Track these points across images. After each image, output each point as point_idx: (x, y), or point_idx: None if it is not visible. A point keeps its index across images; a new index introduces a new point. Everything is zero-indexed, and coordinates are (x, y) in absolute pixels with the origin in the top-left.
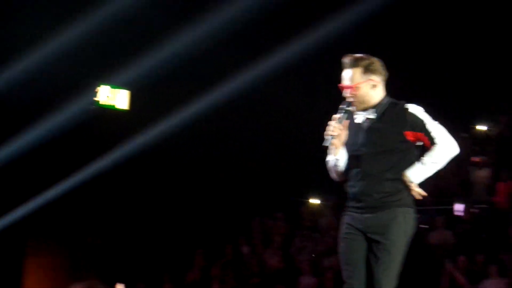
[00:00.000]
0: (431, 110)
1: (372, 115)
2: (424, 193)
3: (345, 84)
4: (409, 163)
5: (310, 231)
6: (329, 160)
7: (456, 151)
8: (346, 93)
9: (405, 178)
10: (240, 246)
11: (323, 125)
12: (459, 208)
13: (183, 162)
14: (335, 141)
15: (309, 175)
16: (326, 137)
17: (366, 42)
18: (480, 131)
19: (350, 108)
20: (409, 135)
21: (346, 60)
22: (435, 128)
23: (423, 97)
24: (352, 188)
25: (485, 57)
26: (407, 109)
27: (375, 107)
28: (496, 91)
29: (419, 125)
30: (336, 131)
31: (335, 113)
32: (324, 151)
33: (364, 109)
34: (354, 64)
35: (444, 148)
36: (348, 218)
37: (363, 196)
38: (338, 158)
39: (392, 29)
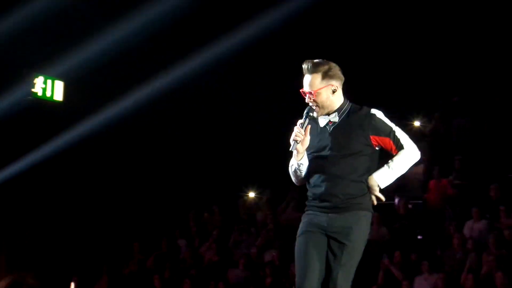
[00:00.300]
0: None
1: (335, 119)
2: (383, 198)
3: (306, 90)
4: (373, 167)
5: (246, 225)
6: (291, 165)
7: (418, 157)
8: (308, 99)
9: (371, 182)
10: (176, 239)
11: (259, 119)
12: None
13: (120, 155)
14: (298, 146)
15: (245, 168)
16: (291, 142)
17: (300, 36)
18: (414, 127)
19: (311, 114)
20: (373, 139)
21: (305, 65)
22: (401, 135)
23: (357, 93)
24: (315, 188)
25: (419, 54)
26: (373, 114)
27: (337, 110)
28: (430, 88)
29: (385, 131)
30: (299, 136)
31: (270, 106)
32: (260, 145)
33: (327, 114)
34: (314, 70)
35: (410, 154)
36: (309, 216)
37: (328, 196)
38: (301, 163)
39: (326, 24)
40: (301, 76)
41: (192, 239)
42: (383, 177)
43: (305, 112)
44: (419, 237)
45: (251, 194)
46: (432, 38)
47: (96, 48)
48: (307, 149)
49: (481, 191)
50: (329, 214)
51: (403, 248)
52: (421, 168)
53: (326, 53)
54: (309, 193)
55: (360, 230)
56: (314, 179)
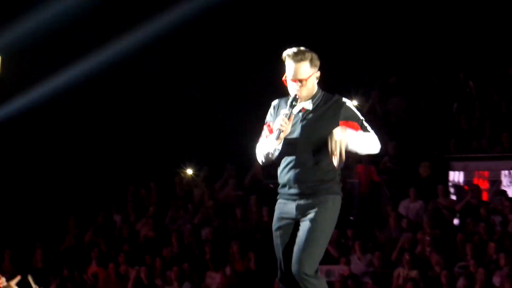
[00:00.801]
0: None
1: (308, 106)
2: (343, 159)
3: (295, 78)
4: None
5: (183, 202)
6: (265, 147)
7: (378, 149)
8: (294, 87)
9: (337, 132)
10: (112, 214)
11: (195, 96)
12: None
13: (57, 129)
14: (281, 134)
15: (182, 145)
16: (274, 130)
17: (229, 18)
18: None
19: (295, 103)
20: (342, 124)
21: (290, 53)
22: (368, 126)
23: None
24: (285, 175)
25: (355, 32)
26: (344, 102)
27: (311, 98)
28: (367, 67)
29: (354, 118)
30: (283, 126)
31: (205, 83)
32: (195, 121)
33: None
34: (302, 58)
35: (374, 139)
36: (280, 206)
37: (297, 183)
38: (277, 148)
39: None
40: (228, 52)
41: (128, 215)
42: (351, 135)
43: (289, 101)
44: (351, 218)
45: (189, 171)
46: (369, 18)
47: (33, 23)
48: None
49: (414, 171)
50: (297, 201)
51: (339, 227)
52: None
53: (259, 32)
54: (279, 180)
55: (326, 211)
56: (283, 165)
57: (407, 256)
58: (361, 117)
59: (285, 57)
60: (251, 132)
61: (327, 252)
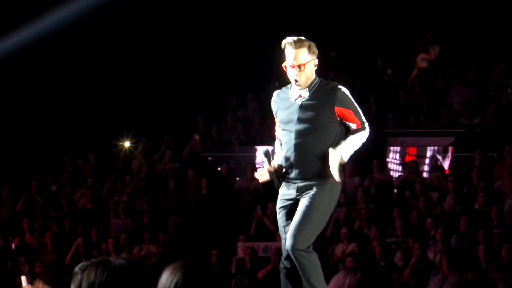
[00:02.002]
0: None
1: (305, 93)
2: (339, 179)
3: (294, 63)
4: (338, 139)
5: (121, 173)
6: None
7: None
8: (294, 73)
9: (333, 154)
10: (49, 185)
11: (135, 68)
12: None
13: None
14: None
15: (121, 116)
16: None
17: None
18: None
19: (268, 157)
20: (337, 111)
21: (289, 41)
22: (362, 114)
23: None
24: (287, 161)
25: (294, 8)
26: (340, 88)
27: (309, 85)
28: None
29: (350, 105)
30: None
31: (142, 56)
32: (134, 92)
33: (300, 88)
34: (300, 44)
35: (367, 133)
36: (283, 190)
37: (297, 168)
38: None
39: None
40: (169, 23)
41: (65, 185)
42: (346, 150)
43: (263, 156)
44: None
45: (127, 143)
46: None
47: None
48: (280, 122)
49: None
50: (298, 184)
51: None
52: None
53: (196, 5)
54: (283, 164)
55: (324, 193)
56: (285, 151)
57: (344, 231)
58: (356, 106)
59: (285, 44)
60: (189, 104)
61: (265, 228)
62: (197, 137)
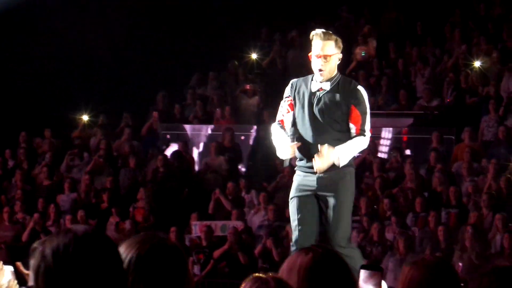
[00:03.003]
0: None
1: (326, 87)
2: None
3: (320, 53)
4: (349, 134)
5: (79, 150)
6: (278, 143)
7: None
8: (319, 63)
9: (332, 153)
10: (6, 160)
11: (93, 44)
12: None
13: None
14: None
15: (80, 92)
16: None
17: None
18: (251, 60)
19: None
20: (352, 109)
21: (318, 32)
22: (368, 121)
23: (193, 27)
24: (303, 150)
25: None
26: (359, 89)
27: (329, 79)
28: (268, 22)
29: (362, 107)
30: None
31: (99, 32)
32: (93, 68)
33: (322, 80)
34: (328, 37)
35: (367, 142)
36: (299, 178)
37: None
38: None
39: None
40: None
41: (22, 161)
42: (344, 153)
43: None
44: (242, 169)
45: (85, 118)
46: None
47: None
48: (296, 111)
49: None
50: (318, 175)
51: (233, 179)
52: (256, 99)
53: None
54: (297, 154)
55: (346, 186)
56: (302, 140)
57: None
58: (368, 110)
59: (313, 36)
60: (149, 81)
61: (223, 207)
62: (156, 114)
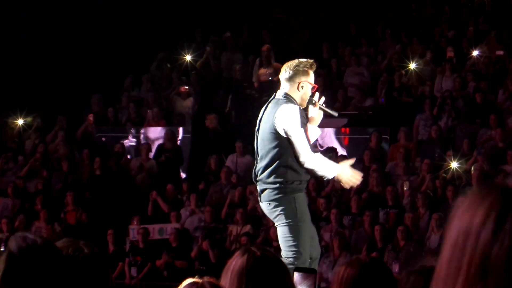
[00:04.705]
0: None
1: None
2: None
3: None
4: None
5: (14, 153)
6: (322, 170)
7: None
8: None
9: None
10: None
11: (29, 46)
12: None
13: None
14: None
15: (14, 94)
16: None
17: None
18: (186, 61)
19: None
20: None
21: (315, 64)
22: None
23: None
24: (306, 174)
25: None
26: None
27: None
28: (202, 24)
29: None
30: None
31: (35, 34)
32: (28, 70)
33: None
34: None
35: None
36: (304, 200)
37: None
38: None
39: None
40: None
41: None
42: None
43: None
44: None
45: (20, 121)
46: None
47: None
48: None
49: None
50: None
51: (171, 181)
52: (190, 101)
53: None
54: (301, 177)
55: None
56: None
57: (239, 212)
58: None
59: (314, 67)
60: (83, 84)
61: (161, 210)
62: (91, 117)
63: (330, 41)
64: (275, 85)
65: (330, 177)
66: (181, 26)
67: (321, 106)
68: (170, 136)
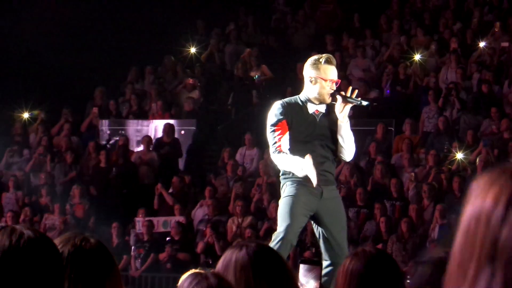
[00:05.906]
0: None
1: (322, 109)
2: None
3: (335, 78)
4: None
5: (19, 147)
6: (288, 166)
7: None
8: (329, 87)
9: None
10: None
11: (34, 40)
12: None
13: None
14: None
15: (20, 88)
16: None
17: None
18: (190, 54)
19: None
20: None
21: (329, 58)
22: None
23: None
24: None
25: None
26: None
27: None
28: (203, 14)
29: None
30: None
31: (40, 27)
32: (33, 63)
33: (320, 102)
34: (335, 63)
35: None
36: (305, 197)
37: (324, 174)
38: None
39: None
40: None
41: None
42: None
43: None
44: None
45: (25, 115)
46: None
47: None
48: (298, 133)
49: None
50: (322, 190)
51: (175, 174)
52: (195, 94)
53: None
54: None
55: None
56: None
57: (239, 203)
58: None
59: (322, 60)
60: (87, 77)
61: (166, 203)
62: (95, 110)
63: (334, 33)
64: (272, 84)
65: (300, 175)
66: (184, 19)
67: (348, 99)
68: (168, 129)
